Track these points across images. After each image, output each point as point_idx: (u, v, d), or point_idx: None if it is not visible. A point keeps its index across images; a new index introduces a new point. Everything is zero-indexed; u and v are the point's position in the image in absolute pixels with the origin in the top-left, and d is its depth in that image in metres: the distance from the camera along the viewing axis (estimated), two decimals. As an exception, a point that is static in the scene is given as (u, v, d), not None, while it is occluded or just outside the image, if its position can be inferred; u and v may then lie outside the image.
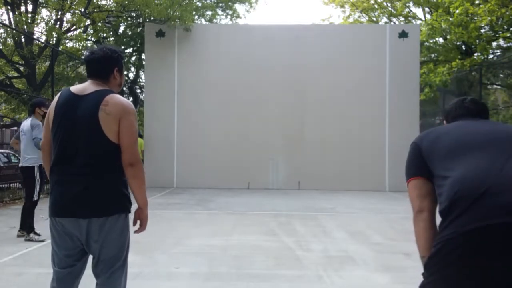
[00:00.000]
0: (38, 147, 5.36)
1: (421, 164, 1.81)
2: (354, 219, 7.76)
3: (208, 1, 18.86)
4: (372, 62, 13.02)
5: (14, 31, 11.68)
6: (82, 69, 16.32)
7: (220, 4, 19.74)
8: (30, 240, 5.62)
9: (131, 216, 2.42)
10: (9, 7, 12.66)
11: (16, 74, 14.52)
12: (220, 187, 12.58)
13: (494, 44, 17.37)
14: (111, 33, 16.45)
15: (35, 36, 12.70)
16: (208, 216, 7.95)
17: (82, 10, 12.38)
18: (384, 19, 20.61)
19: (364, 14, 20.77)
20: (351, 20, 20.94)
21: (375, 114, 12.99)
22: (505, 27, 16.33)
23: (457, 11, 15.16)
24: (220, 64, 13.21)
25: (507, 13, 14.34)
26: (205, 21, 18.44)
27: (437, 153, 1.77)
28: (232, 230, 6.53)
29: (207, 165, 12.95)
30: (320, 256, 5.01)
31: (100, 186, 2.24)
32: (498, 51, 18.16)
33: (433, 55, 18.62)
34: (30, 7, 12.84)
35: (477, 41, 16.22)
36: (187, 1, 13.62)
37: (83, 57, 3.05)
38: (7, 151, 13.97)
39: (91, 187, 2.23)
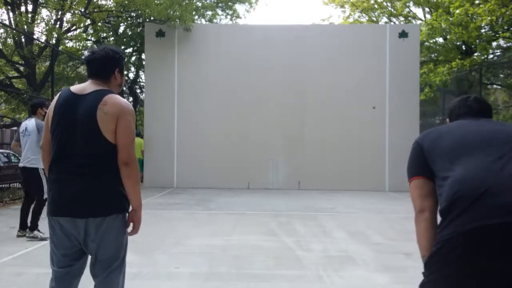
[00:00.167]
0: None
1: (422, 164, 1.82)
2: (354, 219, 7.76)
3: (208, 1, 18.86)
4: (372, 62, 13.02)
5: (14, 31, 11.68)
6: (82, 69, 16.33)
7: (220, 4, 19.73)
8: (34, 237, 5.62)
9: None
10: (9, 7, 12.65)
11: (16, 74, 14.51)
12: (220, 187, 12.58)
13: (494, 44, 17.37)
14: (111, 33, 16.45)
15: (35, 36, 12.69)
16: (208, 216, 7.95)
17: (82, 10, 12.38)
18: (384, 19, 20.61)
19: (364, 14, 20.77)
20: (351, 20, 20.94)
21: (375, 114, 12.99)
22: (505, 27, 16.33)
23: (457, 11, 15.16)
24: (220, 64, 13.21)
25: (507, 13, 14.34)
26: (205, 21, 18.44)
27: (438, 153, 1.77)
28: (232, 230, 6.53)
29: (207, 165, 12.95)
30: (320, 256, 5.01)
31: (99, 186, 2.24)
32: (498, 51, 18.16)
33: (433, 55, 18.63)
34: (30, 7, 12.83)
35: (477, 41, 16.23)
36: (187, 1, 13.61)
37: (83, 57, 3.05)
38: (7, 151, 13.97)
39: (90, 187, 2.23)
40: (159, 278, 4.16)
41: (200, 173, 12.91)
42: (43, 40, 12.63)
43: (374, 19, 20.67)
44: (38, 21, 12.17)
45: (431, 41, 17.74)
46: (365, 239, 6.02)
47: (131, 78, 19.34)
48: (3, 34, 12.47)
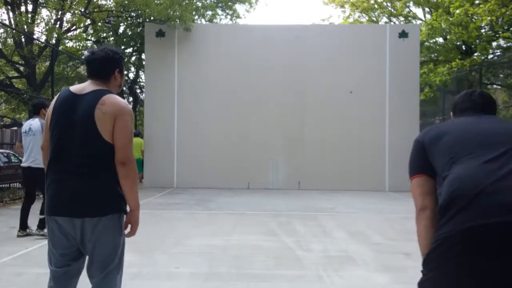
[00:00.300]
0: None
1: (423, 161, 1.81)
2: (354, 219, 7.76)
3: (208, 1, 18.86)
4: (372, 62, 13.02)
5: (14, 31, 11.67)
6: (82, 69, 16.33)
7: (220, 4, 19.73)
8: (44, 236, 5.63)
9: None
10: (9, 7, 12.65)
11: (16, 74, 14.51)
12: (220, 187, 12.58)
13: (494, 44, 17.37)
14: (111, 33, 16.45)
15: (35, 36, 12.69)
16: (208, 216, 7.95)
17: (82, 10, 12.37)
18: (384, 19, 20.62)
19: (364, 14, 20.77)
20: (351, 20, 20.94)
21: (375, 114, 12.99)
22: (505, 27, 16.33)
23: (457, 11, 15.16)
24: (220, 64, 13.21)
25: (507, 13, 14.34)
26: (205, 21, 18.45)
27: (438, 151, 1.77)
28: (232, 230, 6.53)
29: (207, 165, 12.95)
30: (320, 256, 5.01)
31: (96, 186, 2.24)
32: (498, 51, 18.17)
33: (433, 55, 18.63)
34: (30, 7, 12.82)
35: (477, 41, 16.23)
36: (187, 1, 13.61)
37: (83, 57, 3.05)
38: (7, 151, 13.97)
39: (87, 187, 2.23)
40: (159, 278, 4.16)
41: (200, 173, 12.91)
42: (43, 40, 12.63)
43: (374, 19, 20.67)
44: (38, 21, 12.16)
45: (431, 41, 17.75)
46: (365, 239, 6.02)
47: (131, 78, 19.35)
48: (3, 34, 12.47)
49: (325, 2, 21.15)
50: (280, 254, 5.07)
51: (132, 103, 19.09)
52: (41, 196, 6.08)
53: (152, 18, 13.29)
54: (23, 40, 12.21)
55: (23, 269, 4.41)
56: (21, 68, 13.76)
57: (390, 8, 20.06)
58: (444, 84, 15.90)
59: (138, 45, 17.10)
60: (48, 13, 13.47)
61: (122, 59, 2.50)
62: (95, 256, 2.29)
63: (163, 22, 12.91)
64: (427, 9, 19.37)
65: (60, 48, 13.57)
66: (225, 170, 12.89)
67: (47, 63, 13.64)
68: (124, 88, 17.81)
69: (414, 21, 19.33)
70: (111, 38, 16.44)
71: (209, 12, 18.45)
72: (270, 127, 13.00)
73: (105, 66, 2.41)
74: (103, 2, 13.74)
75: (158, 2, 12.69)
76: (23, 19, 11.01)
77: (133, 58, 18.75)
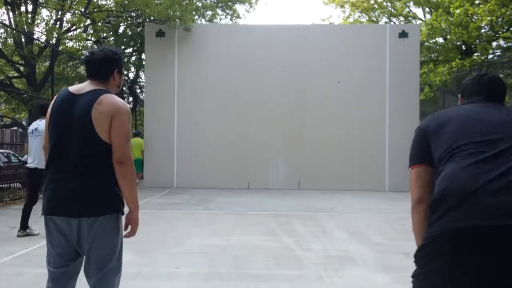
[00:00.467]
0: None
1: (424, 151, 1.77)
2: (354, 219, 7.76)
3: (208, 1, 18.86)
4: (372, 62, 13.02)
5: (14, 31, 11.67)
6: (82, 69, 16.32)
7: (220, 4, 19.74)
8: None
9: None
10: (9, 7, 12.65)
11: (16, 74, 14.51)
12: (220, 187, 12.58)
13: (494, 44, 17.38)
14: (111, 33, 16.45)
15: (35, 36, 12.68)
16: (208, 216, 7.95)
17: (82, 10, 12.37)
18: (384, 19, 20.62)
19: (364, 14, 20.77)
20: (351, 20, 20.95)
21: (375, 114, 12.99)
22: (505, 27, 16.34)
23: (457, 11, 15.16)
24: (220, 64, 13.21)
25: (507, 13, 14.35)
26: (205, 21, 18.45)
27: (439, 141, 1.73)
28: (232, 230, 6.53)
29: (207, 165, 12.95)
30: (320, 256, 5.01)
31: (94, 186, 2.24)
32: (498, 51, 18.18)
33: (433, 55, 18.64)
34: (30, 7, 12.82)
35: (477, 41, 16.24)
36: (187, 1, 13.61)
37: (83, 58, 3.05)
38: (7, 151, 13.97)
39: (85, 186, 2.22)
40: (159, 278, 4.16)
41: (200, 173, 12.91)
42: (43, 40, 12.62)
43: (374, 19, 20.67)
44: (38, 21, 12.16)
45: (431, 41, 17.76)
46: (365, 239, 6.01)
47: (131, 78, 19.35)
48: (3, 34, 12.46)
49: (325, 2, 21.16)
50: (280, 254, 5.07)
51: (132, 103, 19.10)
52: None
53: (152, 18, 13.30)
54: (23, 40, 12.21)
55: (23, 269, 4.41)
56: (21, 68, 13.76)
57: (390, 8, 20.07)
58: (444, 84, 15.91)
59: (138, 45, 17.10)
60: (48, 13, 13.48)
61: (121, 60, 2.50)
62: (91, 256, 2.28)
63: (163, 22, 12.91)
64: (427, 9, 19.38)
65: (60, 48, 13.57)
66: (225, 170, 12.89)
67: (47, 63, 13.64)
68: (124, 88, 17.82)
69: (414, 21, 19.33)
70: (111, 38, 16.44)
71: (209, 12, 18.45)
72: (270, 127, 13.00)
73: (103, 66, 2.41)
74: (103, 2, 13.75)
75: (158, 2, 12.69)
76: (23, 19, 11.00)
77: (133, 58, 18.76)
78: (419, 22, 18.79)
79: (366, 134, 12.90)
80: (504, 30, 16.38)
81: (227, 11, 20.50)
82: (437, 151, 1.72)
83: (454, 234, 1.51)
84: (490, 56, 17.79)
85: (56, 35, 12.20)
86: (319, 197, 11.01)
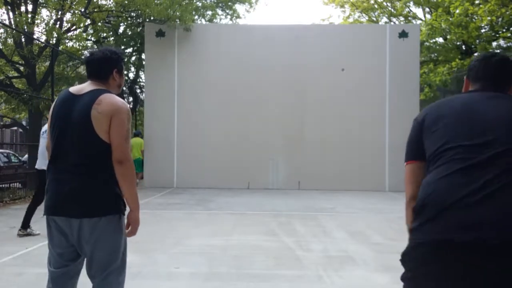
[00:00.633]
0: None
1: (418, 147, 1.73)
2: (354, 219, 7.76)
3: (208, 1, 18.85)
4: (372, 62, 13.02)
5: (14, 31, 11.67)
6: (82, 69, 16.32)
7: (220, 4, 19.73)
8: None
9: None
10: (9, 7, 12.64)
11: (16, 74, 14.51)
12: (220, 187, 12.58)
13: (494, 44, 17.37)
14: (111, 33, 16.45)
15: (35, 36, 12.68)
16: (208, 216, 7.95)
17: (82, 10, 12.37)
18: (384, 19, 20.62)
19: (364, 14, 20.77)
20: (351, 20, 20.94)
21: (375, 114, 13.00)
22: (505, 27, 16.33)
23: (457, 11, 15.16)
24: (220, 64, 13.21)
25: (507, 13, 14.35)
26: (205, 21, 18.45)
27: (431, 139, 1.68)
28: (232, 230, 6.53)
29: (207, 165, 12.95)
30: (320, 256, 5.01)
31: (95, 186, 2.23)
32: (498, 51, 18.16)
33: (433, 55, 18.63)
34: (30, 7, 12.82)
35: (477, 41, 16.23)
36: (187, 1, 13.61)
37: (83, 58, 3.05)
38: (7, 151, 13.98)
39: (86, 187, 2.22)
40: (159, 278, 4.16)
41: (200, 173, 12.92)
42: (43, 40, 12.62)
43: (374, 19, 20.67)
44: (38, 21, 12.15)
45: (431, 41, 17.75)
46: (365, 239, 6.02)
47: (131, 78, 19.34)
48: (3, 34, 12.45)
49: (325, 2, 21.15)
50: (280, 254, 5.07)
51: (132, 103, 19.10)
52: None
53: (152, 18, 13.29)
54: (23, 40, 12.20)
55: (23, 269, 4.41)
56: (21, 68, 13.75)
57: (390, 8, 20.07)
58: (444, 84, 15.91)
59: (138, 45, 17.09)
60: (48, 13, 13.46)
61: (121, 60, 2.50)
62: (94, 257, 2.27)
63: (163, 22, 12.91)
64: (427, 9, 19.38)
65: (60, 48, 13.57)
66: (225, 170, 12.89)
67: (47, 63, 13.63)
68: (124, 88, 17.81)
69: (414, 21, 19.33)
70: (111, 38, 16.44)
71: (209, 12, 18.45)
72: (270, 127, 13.00)
73: (103, 66, 2.41)
74: (103, 2, 13.75)
75: (158, 2, 12.69)
76: (23, 19, 11.00)
77: (133, 58, 18.75)
78: (419, 22, 18.79)
79: (366, 134, 12.90)
80: (504, 30, 16.37)
81: (227, 11, 20.50)
82: (428, 149, 1.69)
83: (432, 244, 1.52)
84: (490, 56, 17.75)
85: (56, 35, 12.19)
86: (319, 197, 11.01)
